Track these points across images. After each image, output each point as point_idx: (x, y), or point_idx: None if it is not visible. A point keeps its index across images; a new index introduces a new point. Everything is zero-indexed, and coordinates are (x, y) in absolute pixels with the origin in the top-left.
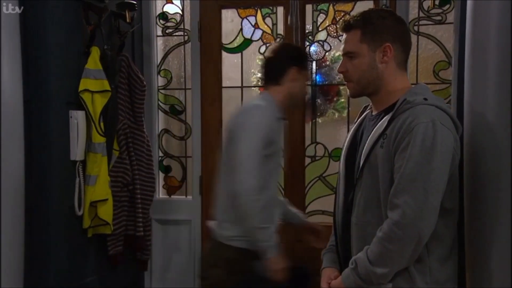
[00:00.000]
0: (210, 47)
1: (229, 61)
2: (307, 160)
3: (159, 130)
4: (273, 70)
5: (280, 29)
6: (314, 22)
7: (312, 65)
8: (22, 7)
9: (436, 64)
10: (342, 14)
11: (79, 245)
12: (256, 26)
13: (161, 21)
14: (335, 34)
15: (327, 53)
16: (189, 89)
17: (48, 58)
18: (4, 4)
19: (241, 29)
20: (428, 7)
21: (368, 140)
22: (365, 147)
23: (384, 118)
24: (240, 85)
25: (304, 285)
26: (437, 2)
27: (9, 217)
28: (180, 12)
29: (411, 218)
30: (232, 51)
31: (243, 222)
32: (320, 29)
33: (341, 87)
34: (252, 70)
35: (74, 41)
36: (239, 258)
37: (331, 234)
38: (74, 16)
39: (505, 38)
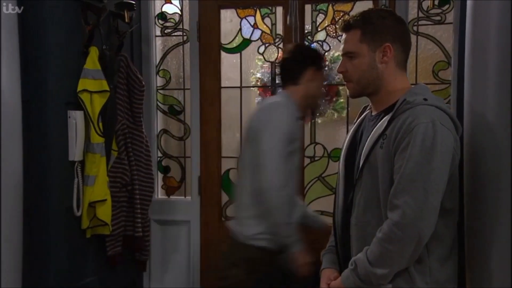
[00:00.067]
0: (209, 47)
1: (228, 61)
2: (306, 161)
3: (158, 130)
4: (290, 71)
5: (279, 29)
6: (313, 22)
7: None
8: (22, 7)
9: (435, 64)
10: (341, 14)
11: (78, 246)
12: (255, 26)
13: (160, 21)
14: (334, 34)
15: (326, 53)
16: (188, 89)
17: (47, 58)
18: (4, 4)
19: (240, 29)
20: (428, 7)
21: (368, 140)
22: (364, 148)
23: (384, 118)
24: (239, 85)
25: None
26: (436, 2)
27: (7, 217)
28: (179, 12)
29: (411, 219)
30: (231, 51)
31: (268, 218)
32: (319, 29)
33: (341, 87)
34: (251, 70)
35: (73, 41)
36: (260, 257)
37: (330, 234)
38: (73, 16)
39: (505, 38)
